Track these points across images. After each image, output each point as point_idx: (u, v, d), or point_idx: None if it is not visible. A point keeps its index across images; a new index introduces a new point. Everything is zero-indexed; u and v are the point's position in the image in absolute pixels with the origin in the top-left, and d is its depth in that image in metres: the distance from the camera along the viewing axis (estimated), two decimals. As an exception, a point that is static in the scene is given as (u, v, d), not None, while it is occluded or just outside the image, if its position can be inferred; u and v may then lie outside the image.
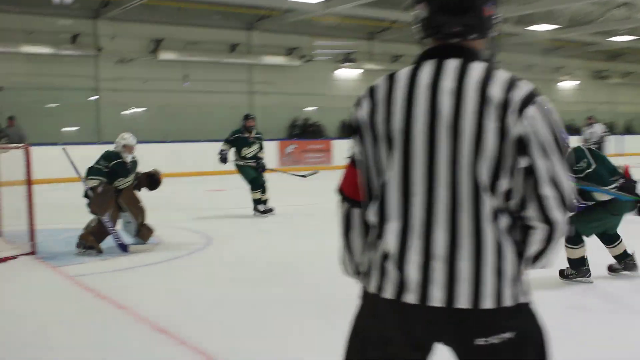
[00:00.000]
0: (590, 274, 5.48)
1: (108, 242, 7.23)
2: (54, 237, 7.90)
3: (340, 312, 4.49)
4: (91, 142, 17.88)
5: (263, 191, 10.20)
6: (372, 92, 1.81)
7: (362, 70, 25.41)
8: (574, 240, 5.38)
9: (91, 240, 7.16)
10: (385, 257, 1.73)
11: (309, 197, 12.73)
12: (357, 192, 1.86)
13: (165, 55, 21.06)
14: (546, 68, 30.21)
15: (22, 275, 6.27)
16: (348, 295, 5.01)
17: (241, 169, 10.24)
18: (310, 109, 24.31)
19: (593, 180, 5.30)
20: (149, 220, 7.76)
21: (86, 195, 7.27)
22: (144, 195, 7.83)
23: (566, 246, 5.39)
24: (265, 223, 9.58)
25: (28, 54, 19.06)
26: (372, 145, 1.79)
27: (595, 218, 5.39)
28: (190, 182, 16.52)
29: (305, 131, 23.33)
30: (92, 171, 7.35)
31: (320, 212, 10.46)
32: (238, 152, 10.24)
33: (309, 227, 9.20)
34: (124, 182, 7.51)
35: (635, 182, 5.46)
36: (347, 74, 25.41)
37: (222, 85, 22.16)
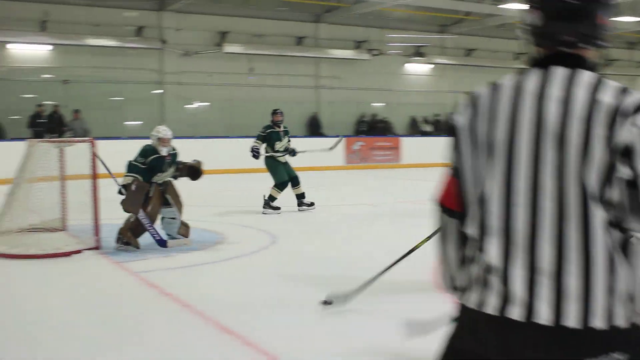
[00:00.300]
0: None
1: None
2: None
3: (405, 314, 4.46)
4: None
5: (295, 184, 10.59)
6: (474, 99, 1.82)
7: (432, 65, 25.19)
8: None
9: (129, 236, 7.33)
10: (487, 271, 1.71)
11: (377, 196, 12.70)
12: (454, 201, 1.85)
13: (230, 48, 21.31)
14: (630, 63, 29.36)
15: (86, 270, 6.44)
16: (413, 298, 4.99)
17: (273, 165, 10.61)
18: (378, 104, 24.24)
19: None
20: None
21: (120, 193, 7.38)
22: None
23: None
24: (331, 222, 9.60)
25: (93, 46, 19.57)
26: (471, 154, 1.78)
27: None
28: (254, 179, 16.62)
29: (372, 127, 23.26)
30: (129, 167, 7.44)
31: (388, 211, 10.43)
32: (271, 146, 10.64)
33: (376, 226, 9.14)
34: (163, 177, 7.62)
35: None
36: (418, 68, 25.22)
37: (288, 80, 22.30)
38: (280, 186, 10.47)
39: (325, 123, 22.58)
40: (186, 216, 7.78)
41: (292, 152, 10.82)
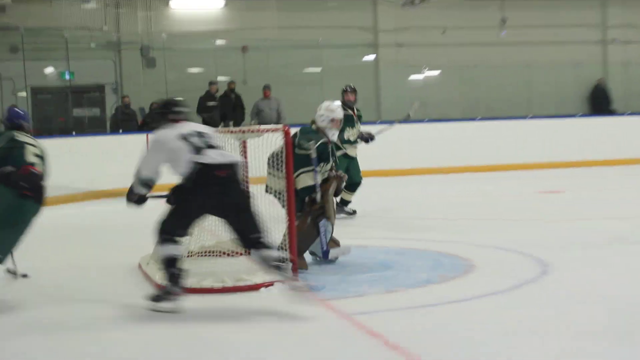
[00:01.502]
0: None
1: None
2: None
3: None
4: (367, 121, 18.56)
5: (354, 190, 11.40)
6: None
7: None
8: None
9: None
10: None
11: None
12: None
13: (472, -9, 21.33)
14: None
15: (279, 312, 6.54)
16: None
17: (341, 162, 10.69)
18: None
19: None
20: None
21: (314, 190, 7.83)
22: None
23: None
24: (627, 244, 9.29)
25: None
26: None
27: None
28: (512, 179, 16.47)
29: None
30: None
31: None
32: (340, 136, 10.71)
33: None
34: (324, 170, 8.04)
35: None
36: None
37: (558, 33, 21.84)
38: (350, 187, 11.06)
39: (616, 95, 21.83)
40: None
41: (370, 138, 11.62)
